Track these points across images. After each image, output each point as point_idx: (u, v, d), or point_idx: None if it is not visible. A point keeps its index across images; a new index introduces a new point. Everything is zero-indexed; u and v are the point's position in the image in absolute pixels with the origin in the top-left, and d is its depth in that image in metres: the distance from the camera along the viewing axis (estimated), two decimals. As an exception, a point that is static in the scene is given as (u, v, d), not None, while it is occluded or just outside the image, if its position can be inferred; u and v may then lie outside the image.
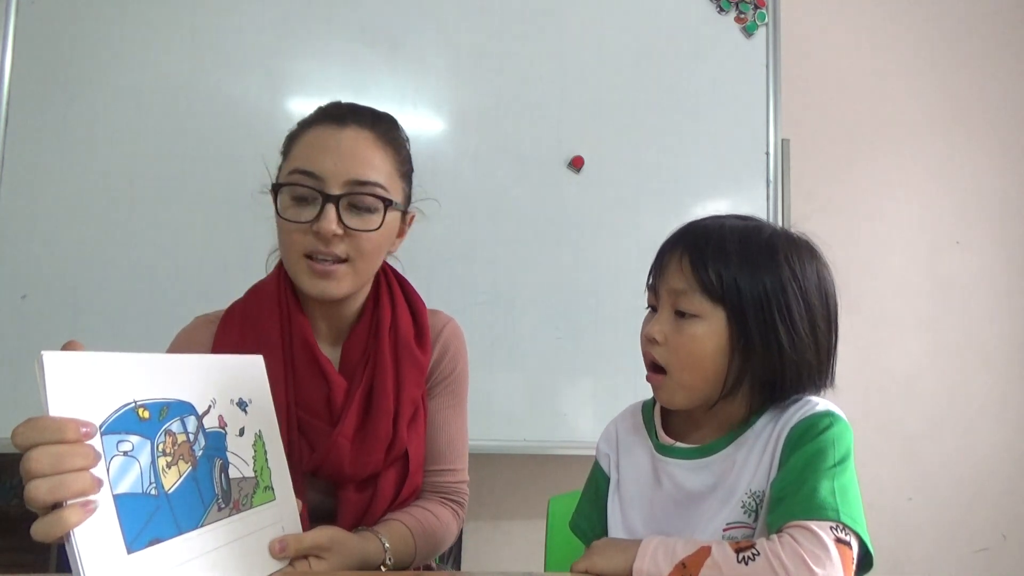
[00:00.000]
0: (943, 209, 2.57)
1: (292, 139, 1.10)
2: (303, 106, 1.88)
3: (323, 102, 1.86)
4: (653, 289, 0.91)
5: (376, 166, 1.05)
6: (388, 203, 1.05)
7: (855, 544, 0.77)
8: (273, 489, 0.86)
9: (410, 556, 1.07)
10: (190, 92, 1.83)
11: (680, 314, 0.86)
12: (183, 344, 1.13)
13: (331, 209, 1.01)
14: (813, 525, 0.76)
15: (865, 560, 0.80)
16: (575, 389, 1.99)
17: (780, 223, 2.06)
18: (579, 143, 2.01)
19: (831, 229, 2.44)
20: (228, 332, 1.10)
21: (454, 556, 2.18)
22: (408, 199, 1.14)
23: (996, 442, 2.54)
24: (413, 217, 1.17)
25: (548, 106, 2.01)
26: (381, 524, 1.07)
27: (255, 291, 1.15)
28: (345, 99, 1.86)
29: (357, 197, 1.03)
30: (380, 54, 1.93)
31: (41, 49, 1.77)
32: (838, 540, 0.75)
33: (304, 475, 1.06)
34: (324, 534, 0.90)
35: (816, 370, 0.87)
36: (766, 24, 2.14)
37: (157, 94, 1.81)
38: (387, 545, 1.01)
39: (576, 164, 2.00)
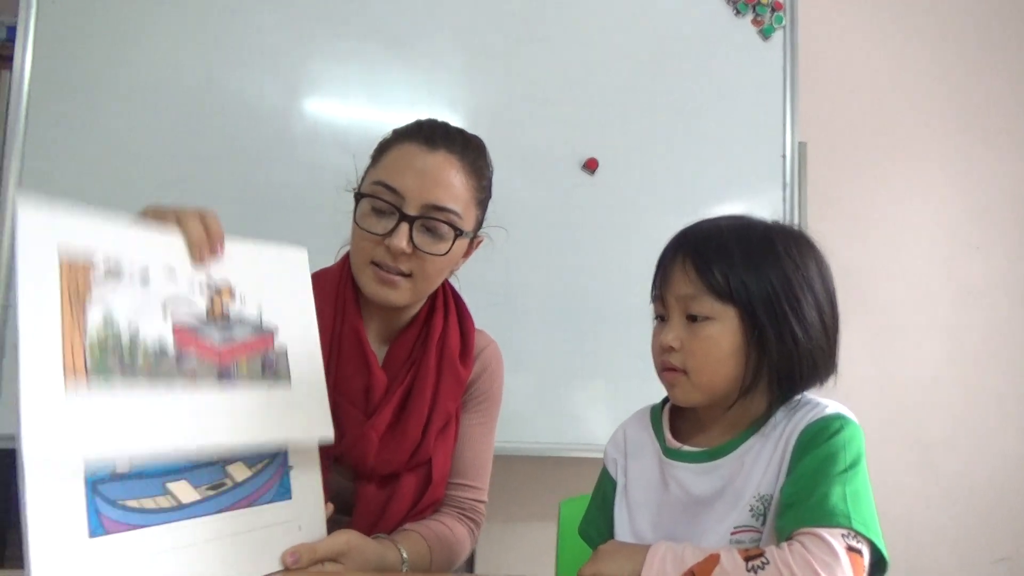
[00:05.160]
0: (962, 213, 2.54)
1: (383, 148, 1.14)
2: (318, 106, 1.90)
3: (338, 101, 1.91)
4: (660, 299, 0.91)
5: (455, 194, 1.09)
6: (459, 232, 1.09)
7: (867, 551, 0.76)
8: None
9: (425, 568, 1.07)
10: (206, 92, 1.84)
11: (692, 318, 0.87)
12: None
13: (404, 228, 1.06)
14: (824, 532, 0.75)
15: (879, 566, 0.79)
16: (587, 391, 1.98)
17: (797, 225, 2.04)
18: (593, 145, 2.01)
19: (848, 233, 2.45)
20: None
21: (467, 559, 2.17)
22: (479, 225, 1.19)
23: (1016, 449, 2.50)
24: (480, 241, 1.21)
25: (562, 108, 2.00)
26: (399, 534, 1.08)
27: (318, 276, 1.19)
28: (359, 99, 1.91)
29: (431, 221, 1.08)
30: (394, 54, 1.93)
31: (60, 49, 1.78)
32: (849, 548, 0.74)
33: (329, 458, 1.08)
34: (340, 539, 0.91)
35: (827, 354, 0.88)
36: (783, 27, 2.12)
37: (173, 94, 1.82)
38: (405, 556, 1.02)
39: (590, 166, 2.00)
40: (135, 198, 1.75)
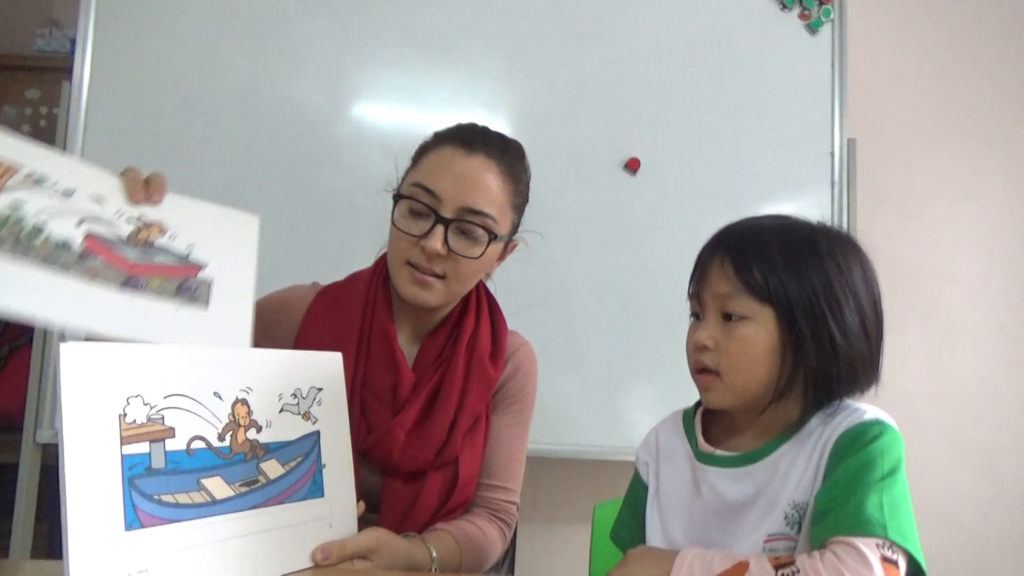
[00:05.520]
0: (1021, 211, 2.44)
1: (423, 151, 1.16)
2: (363, 110, 1.94)
3: (381, 106, 1.94)
4: (696, 297, 0.90)
5: (492, 198, 1.11)
6: (493, 236, 1.11)
7: (903, 563, 0.74)
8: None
9: (455, 568, 1.08)
10: (255, 99, 1.90)
11: (727, 317, 0.85)
12: (287, 294, 1.22)
13: (440, 230, 1.07)
14: (858, 542, 0.72)
15: None
16: (633, 393, 1.97)
17: (846, 225, 2.00)
18: (635, 145, 1.99)
19: (900, 232, 2.38)
20: (318, 307, 1.18)
21: (508, 561, 2.18)
22: (515, 229, 1.20)
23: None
24: (515, 245, 1.22)
25: (603, 107, 1.99)
26: (429, 533, 1.09)
27: (352, 277, 1.23)
28: (401, 102, 1.93)
29: (467, 224, 1.09)
30: (435, 58, 1.96)
31: (117, 61, 1.86)
32: (884, 559, 0.72)
33: (357, 453, 1.09)
34: (370, 536, 0.92)
35: (868, 362, 0.85)
36: (831, 20, 2.07)
37: (224, 102, 1.89)
38: (435, 554, 1.03)
39: (632, 166, 1.98)
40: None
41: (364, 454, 1.11)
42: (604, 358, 1.96)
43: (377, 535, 0.93)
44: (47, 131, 2.44)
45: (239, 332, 0.90)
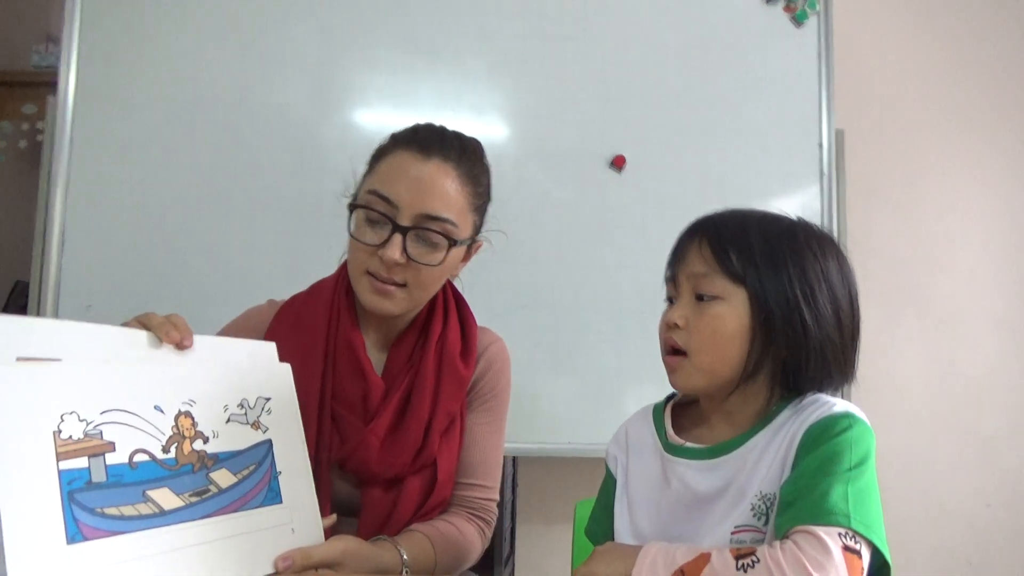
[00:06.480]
0: (1017, 201, 2.41)
1: (380, 155, 1.14)
2: (349, 114, 1.93)
3: (368, 109, 1.94)
4: (672, 280, 0.90)
5: (450, 203, 1.08)
6: (453, 242, 1.09)
7: (867, 553, 0.73)
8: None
9: (430, 569, 1.07)
10: (242, 104, 1.89)
11: (700, 298, 0.85)
12: (242, 322, 1.21)
13: (398, 238, 1.05)
14: (820, 531, 0.71)
15: (883, 570, 0.76)
16: (622, 390, 1.95)
17: (835, 218, 1.99)
18: (621, 142, 1.97)
19: (893, 224, 2.36)
20: (282, 320, 1.17)
21: (511, 561, 2.17)
22: (477, 230, 1.18)
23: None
24: (480, 246, 1.20)
25: (589, 105, 1.98)
26: (402, 535, 1.08)
27: (316, 287, 1.21)
28: (388, 105, 1.93)
29: (425, 232, 1.07)
30: (422, 61, 1.95)
31: (102, 68, 1.86)
32: (846, 547, 0.71)
33: (332, 465, 1.09)
34: (336, 547, 0.91)
35: (840, 352, 0.84)
36: (817, 12, 2.05)
37: (211, 106, 1.88)
38: (405, 556, 1.02)
39: (618, 164, 1.97)
40: (177, 209, 1.83)
41: (340, 465, 1.10)
42: (594, 356, 1.94)
43: (344, 545, 0.92)
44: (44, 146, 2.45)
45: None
